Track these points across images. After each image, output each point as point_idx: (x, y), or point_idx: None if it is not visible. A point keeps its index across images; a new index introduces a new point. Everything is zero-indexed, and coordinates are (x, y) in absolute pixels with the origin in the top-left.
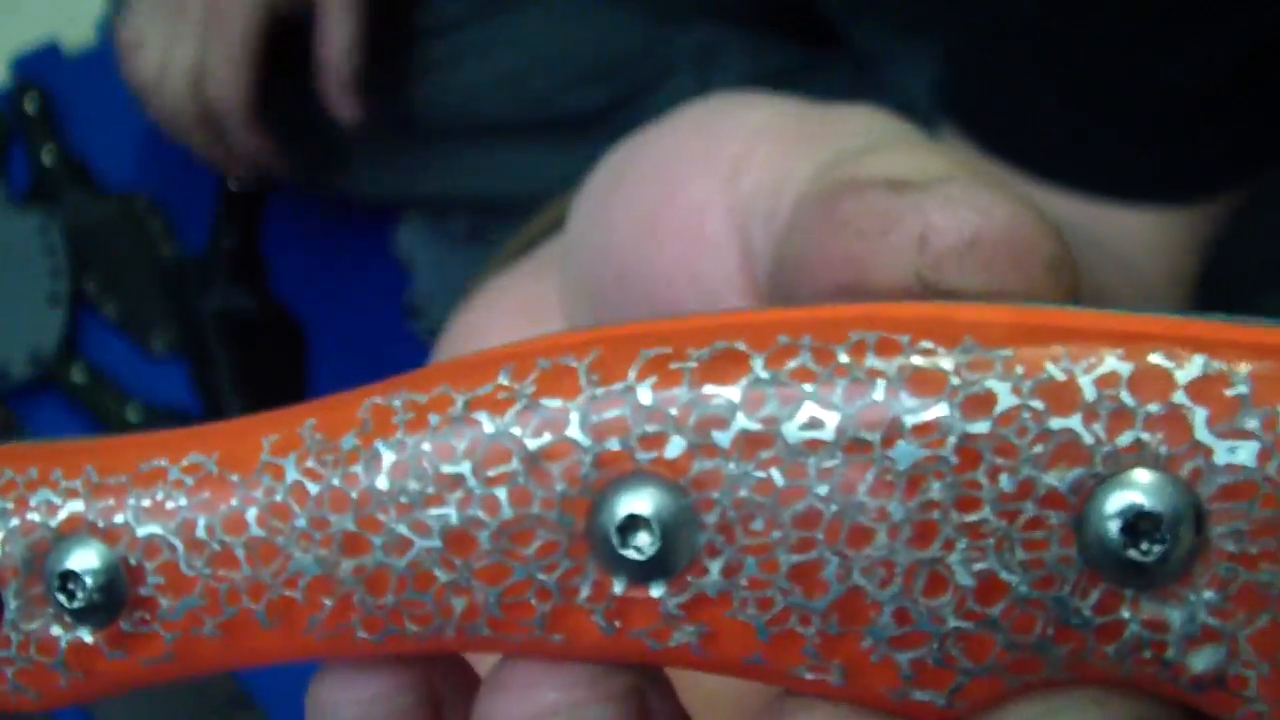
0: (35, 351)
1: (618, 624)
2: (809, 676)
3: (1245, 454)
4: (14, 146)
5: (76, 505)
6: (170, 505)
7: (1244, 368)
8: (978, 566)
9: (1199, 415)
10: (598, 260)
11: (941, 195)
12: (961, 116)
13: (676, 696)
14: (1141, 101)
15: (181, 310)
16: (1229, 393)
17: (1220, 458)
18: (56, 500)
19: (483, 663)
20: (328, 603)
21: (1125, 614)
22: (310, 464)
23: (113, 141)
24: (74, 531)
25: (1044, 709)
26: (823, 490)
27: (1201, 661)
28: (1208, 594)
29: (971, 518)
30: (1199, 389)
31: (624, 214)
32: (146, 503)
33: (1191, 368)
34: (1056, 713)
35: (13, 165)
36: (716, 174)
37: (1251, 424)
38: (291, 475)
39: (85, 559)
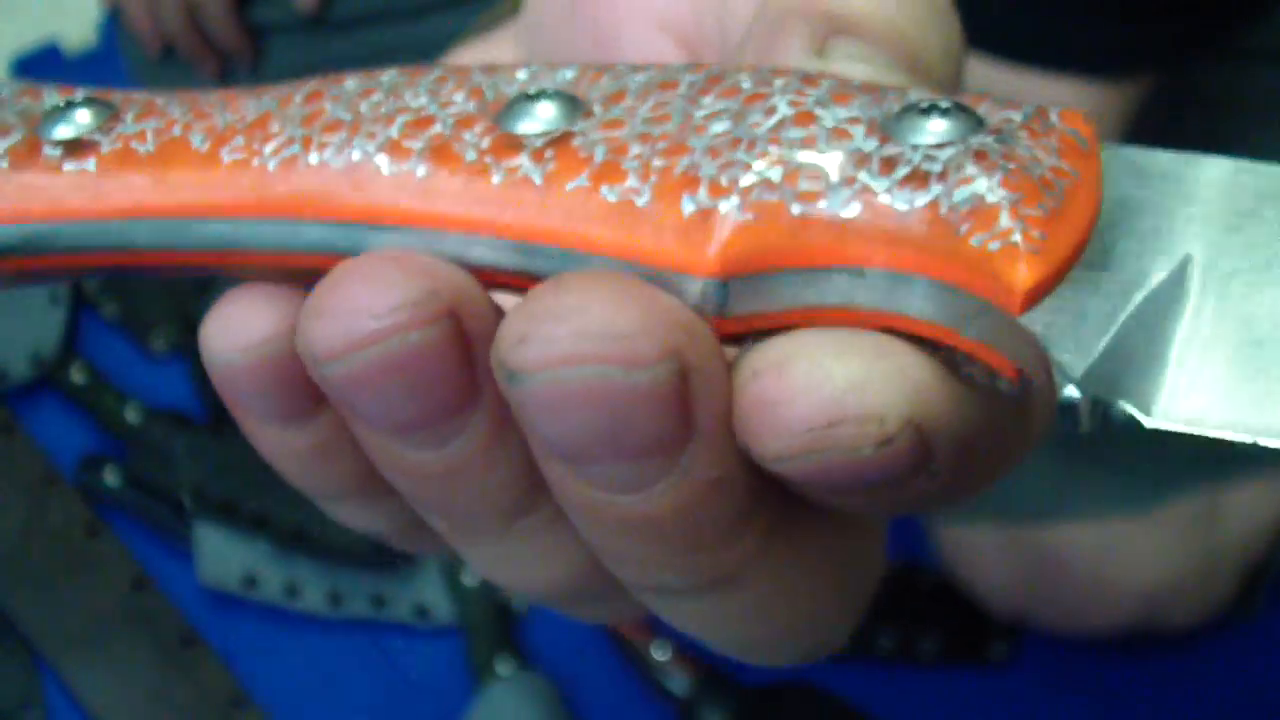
0: (35, 351)
1: (483, 157)
2: (619, 198)
3: (1021, 111)
4: None
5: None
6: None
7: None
8: (798, 109)
9: (989, 101)
10: (551, 35)
11: (845, 53)
12: None
13: (495, 304)
14: None
15: (181, 310)
16: (1015, 103)
17: (1000, 112)
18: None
19: None
20: (259, 133)
21: (907, 150)
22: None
23: None
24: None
25: (831, 354)
26: (684, 89)
27: (967, 189)
28: (980, 146)
29: (799, 96)
30: (992, 99)
31: None
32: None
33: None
34: (844, 356)
35: None
36: None
37: (1030, 109)
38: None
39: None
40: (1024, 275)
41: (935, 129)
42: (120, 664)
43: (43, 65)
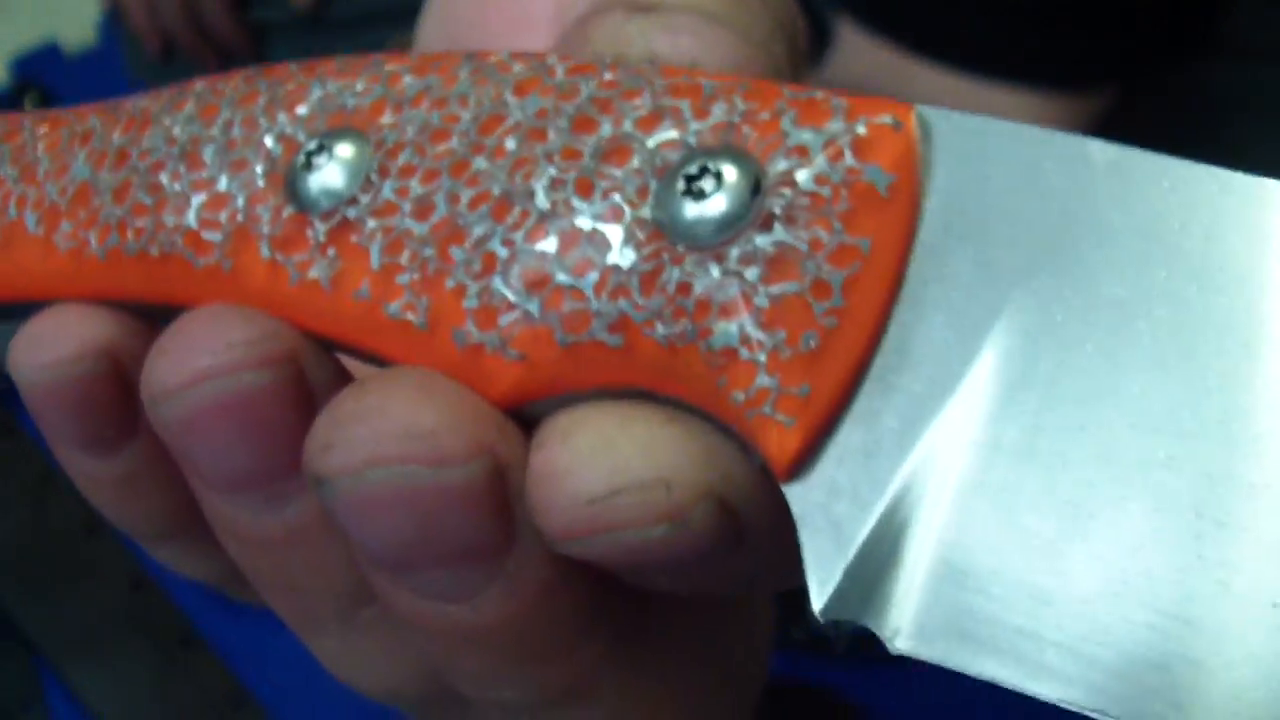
0: None
1: (276, 253)
2: (397, 316)
3: (816, 141)
4: None
5: None
6: (22, 133)
7: (844, 98)
8: (556, 195)
9: (790, 113)
10: (437, 39)
11: (662, 23)
12: None
13: (339, 362)
14: None
15: None
16: (824, 106)
17: (792, 140)
18: None
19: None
20: (81, 214)
21: (667, 262)
22: (128, 107)
23: None
24: None
25: (616, 421)
26: (463, 127)
27: (723, 328)
28: (742, 258)
29: (569, 162)
30: (799, 100)
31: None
32: (3, 128)
33: (801, 91)
34: (630, 422)
35: None
36: None
37: (834, 126)
38: (108, 113)
39: None
40: (780, 450)
41: (710, 209)
42: (120, 664)
43: (42, 65)
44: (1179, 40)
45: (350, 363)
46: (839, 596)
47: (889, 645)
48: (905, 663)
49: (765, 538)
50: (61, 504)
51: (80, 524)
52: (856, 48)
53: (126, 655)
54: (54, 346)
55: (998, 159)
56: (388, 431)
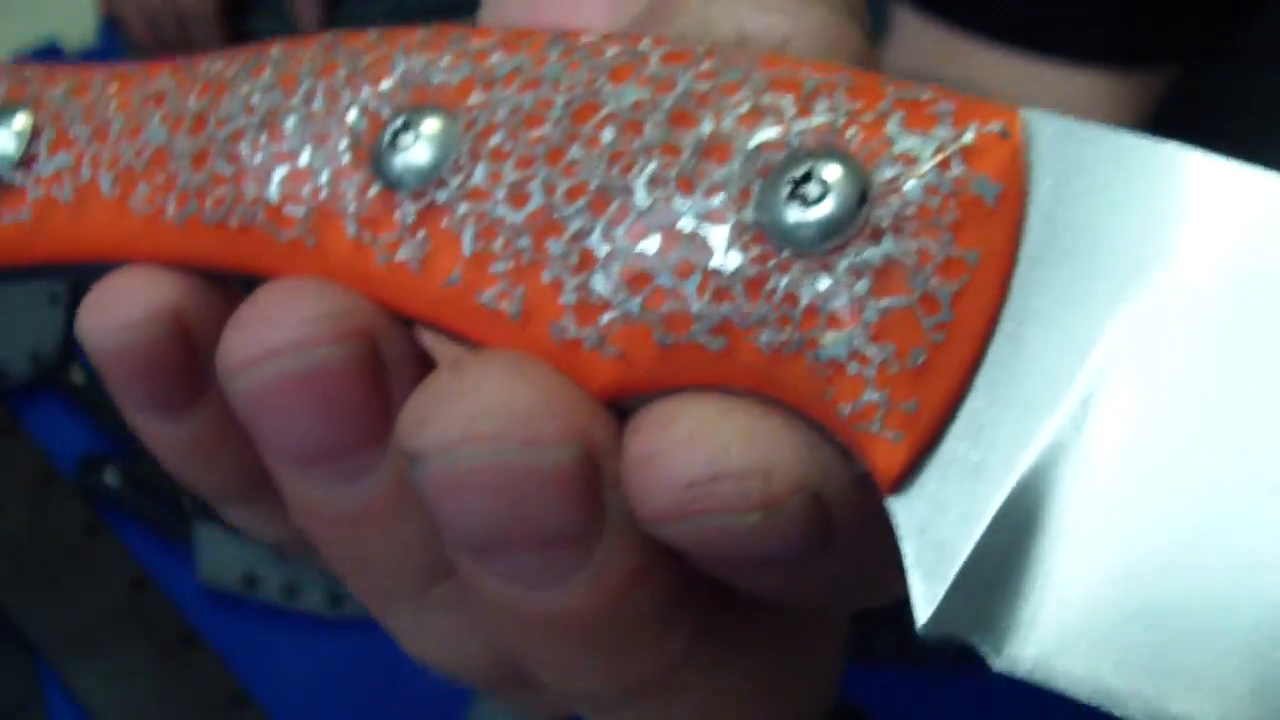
0: (35, 351)
1: (363, 231)
2: (491, 305)
3: (924, 149)
4: None
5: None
6: (91, 90)
7: (952, 101)
8: (657, 193)
9: (896, 116)
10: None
11: (752, 1)
12: None
13: (414, 339)
14: None
15: None
16: (931, 110)
17: (899, 146)
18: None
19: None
20: (158, 178)
21: (773, 269)
22: (202, 69)
23: None
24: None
25: (716, 409)
26: (557, 113)
27: (832, 338)
28: (851, 270)
29: (668, 158)
30: (905, 102)
31: None
32: (72, 84)
33: (906, 90)
34: (730, 411)
35: None
36: None
37: (942, 133)
38: (181, 73)
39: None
40: (887, 465)
41: (815, 215)
42: (120, 664)
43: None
44: (1238, 19)
45: (429, 338)
46: (942, 612)
47: (989, 663)
48: (907, 664)
49: (855, 542)
50: (61, 504)
51: (80, 524)
52: (912, 30)
53: (126, 655)
54: (120, 310)
55: (1099, 167)
56: (483, 410)
